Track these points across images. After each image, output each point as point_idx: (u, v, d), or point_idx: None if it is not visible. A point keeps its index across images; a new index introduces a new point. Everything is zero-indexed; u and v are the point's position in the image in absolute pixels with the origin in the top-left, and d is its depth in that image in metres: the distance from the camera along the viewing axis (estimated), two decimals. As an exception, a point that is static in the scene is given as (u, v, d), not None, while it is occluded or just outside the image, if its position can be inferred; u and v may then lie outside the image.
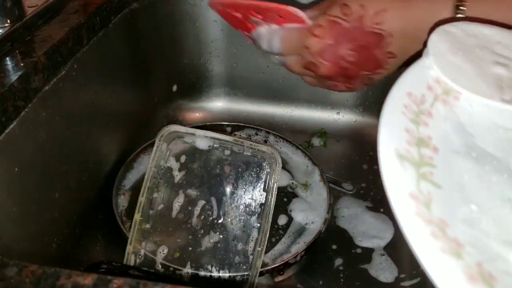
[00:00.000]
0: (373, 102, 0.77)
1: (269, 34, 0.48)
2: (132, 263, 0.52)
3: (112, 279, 0.29)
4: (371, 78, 0.47)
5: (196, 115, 0.80)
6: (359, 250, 0.60)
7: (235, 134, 0.71)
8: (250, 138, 0.71)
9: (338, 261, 0.58)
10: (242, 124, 0.72)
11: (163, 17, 0.72)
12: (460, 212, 0.26)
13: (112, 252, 0.59)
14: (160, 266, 0.52)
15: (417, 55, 0.36)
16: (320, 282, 0.56)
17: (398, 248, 0.60)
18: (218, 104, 0.81)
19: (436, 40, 0.35)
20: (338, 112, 0.79)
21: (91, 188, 0.60)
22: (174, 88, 0.78)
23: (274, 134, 0.71)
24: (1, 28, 0.50)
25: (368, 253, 0.59)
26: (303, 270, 0.57)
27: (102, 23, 0.60)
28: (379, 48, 0.43)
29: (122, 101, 0.67)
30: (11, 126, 0.44)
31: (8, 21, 0.51)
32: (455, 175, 0.27)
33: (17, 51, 0.49)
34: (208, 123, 0.72)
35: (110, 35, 0.61)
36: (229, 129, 0.72)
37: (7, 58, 0.48)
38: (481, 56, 0.34)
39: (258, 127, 0.72)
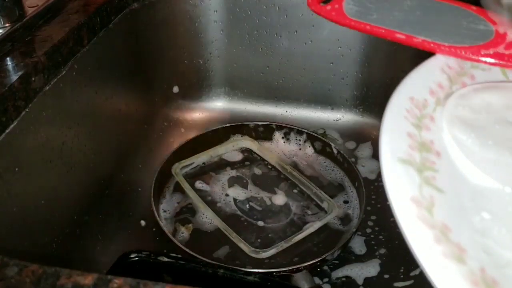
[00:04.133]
0: (373, 102, 0.77)
1: None
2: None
3: (113, 278, 0.29)
4: None
5: (196, 115, 0.80)
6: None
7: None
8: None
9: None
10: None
11: (163, 17, 0.72)
12: (469, 219, 0.25)
13: (112, 252, 0.59)
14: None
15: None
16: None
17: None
18: (218, 104, 0.81)
19: (458, 135, 0.30)
20: (338, 112, 0.79)
21: (91, 188, 0.60)
22: (175, 89, 0.78)
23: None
24: (1, 28, 0.50)
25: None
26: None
27: (102, 23, 0.60)
28: None
29: (122, 101, 0.67)
30: (11, 126, 0.44)
31: (9, 21, 0.51)
32: (461, 181, 0.27)
33: (17, 51, 0.49)
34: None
35: (110, 35, 0.61)
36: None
37: (8, 58, 0.48)
38: (506, 134, 0.31)
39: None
